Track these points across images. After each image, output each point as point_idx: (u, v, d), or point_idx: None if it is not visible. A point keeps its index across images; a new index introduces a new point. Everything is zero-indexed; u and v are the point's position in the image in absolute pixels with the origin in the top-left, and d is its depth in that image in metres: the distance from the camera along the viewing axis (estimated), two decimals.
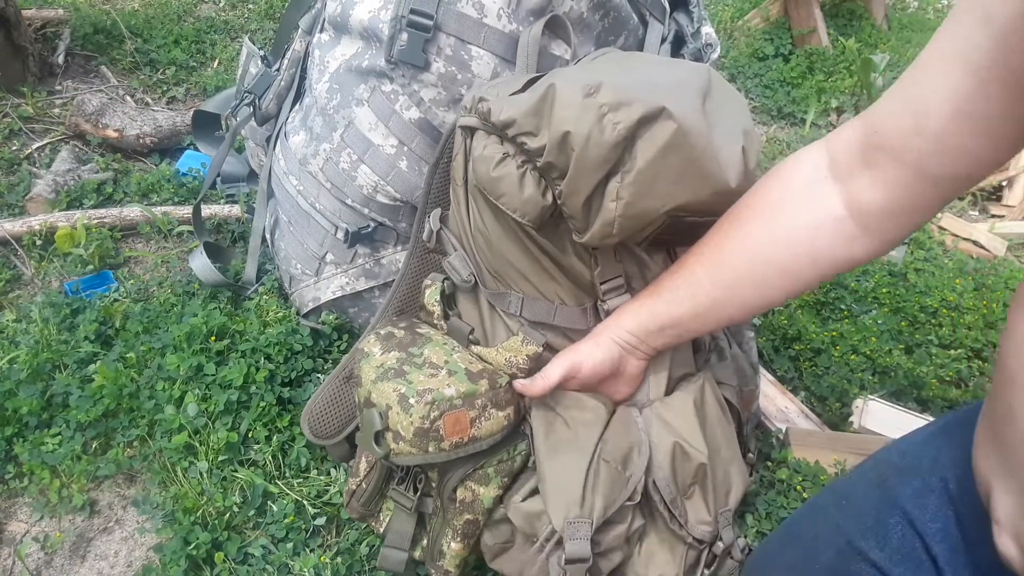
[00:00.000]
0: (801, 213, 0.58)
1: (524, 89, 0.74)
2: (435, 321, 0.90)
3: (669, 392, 0.85)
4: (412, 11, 0.84)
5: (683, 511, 0.79)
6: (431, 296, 0.88)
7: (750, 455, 0.97)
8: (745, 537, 0.91)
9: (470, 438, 0.78)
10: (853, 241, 0.56)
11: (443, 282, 0.87)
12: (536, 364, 0.81)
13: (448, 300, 0.89)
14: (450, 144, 0.86)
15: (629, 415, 0.82)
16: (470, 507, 0.83)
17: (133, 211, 1.41)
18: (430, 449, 0.77)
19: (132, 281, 1.29)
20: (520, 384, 0.79)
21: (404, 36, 0.86)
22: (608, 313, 0.82)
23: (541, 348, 0.80)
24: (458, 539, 0.84)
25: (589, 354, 0.76)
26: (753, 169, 0.75)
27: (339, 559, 0.92)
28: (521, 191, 0.73)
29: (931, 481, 0.50)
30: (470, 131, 0.77)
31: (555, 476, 0.77)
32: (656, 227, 0.74)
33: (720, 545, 0.81)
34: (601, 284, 0.81)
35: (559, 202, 0.73)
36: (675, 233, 0.76)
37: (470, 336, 0.86)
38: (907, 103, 0.50)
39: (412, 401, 0.77)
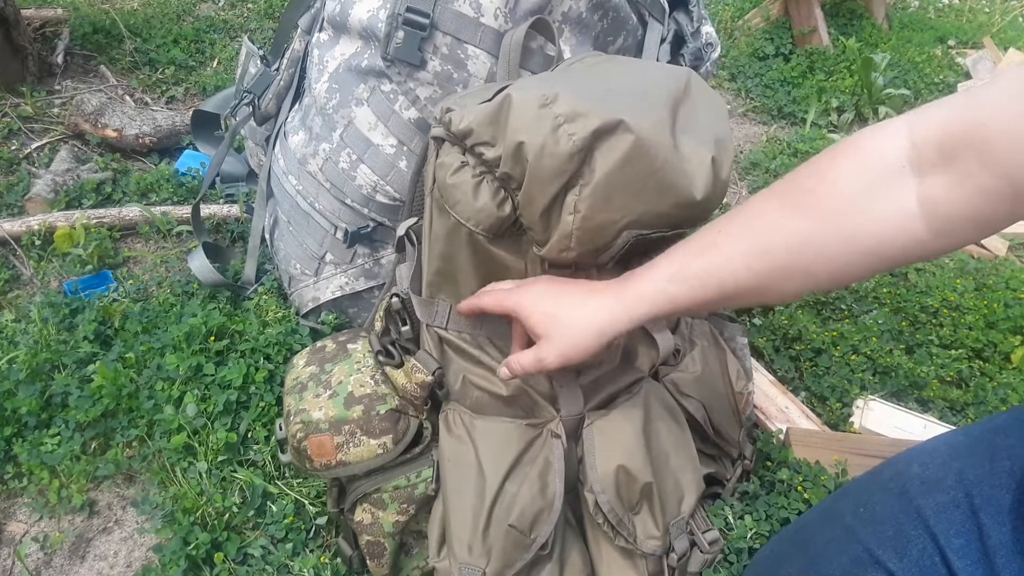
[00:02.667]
0: (873, 209, 0.51)
1: (493, 99, 0.73)
2: (371, 336, 0.90)
3: (606, 404, 0.84)
4: (408, 9, 0.84)
5: (631, 528, 0.79)
6: (379, 310, 0.88)
7: (746, 460, 0.97)
8: (725, 529, 0.90)
9: (338, 462, 0.80)
10: (920, 243, 0.51)
11: (391, 297, 0.86)
12: (425, 392, 0.81)
13: (399, 314, 0.87)
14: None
15: (552, 451, 0.79)
16: (369, 529, 0.84)
17: (132, 211, 1.41)
18: (307, 466, 0.82)
19: (131, 281, 1.29)
20: (515, 366, 0.72)
21: (400, 34, 0.86)
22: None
23: (430, 377, 0.80)
24: (368, 557, 0.86)
25: (570, 357, 0.67)
26: (725, 179, 0.74)
27: (339, 559, 0.92)
28: (475, 200, 0.72)
29: (956, 496, 0.49)
30: (440, 141, 0.76)
31: (457, 518, 0.76)
32: (620, 247, 0.72)
33: (673, 556, 0.81)
34: None
35: (518, 213, 0.73)
36: (641, 251, 0.75)
37: (379, 356, 0.86)
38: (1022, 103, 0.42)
39: (292, 419, 0.82)
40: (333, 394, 0.82)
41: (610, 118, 0.66)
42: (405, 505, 0.83)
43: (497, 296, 0.73)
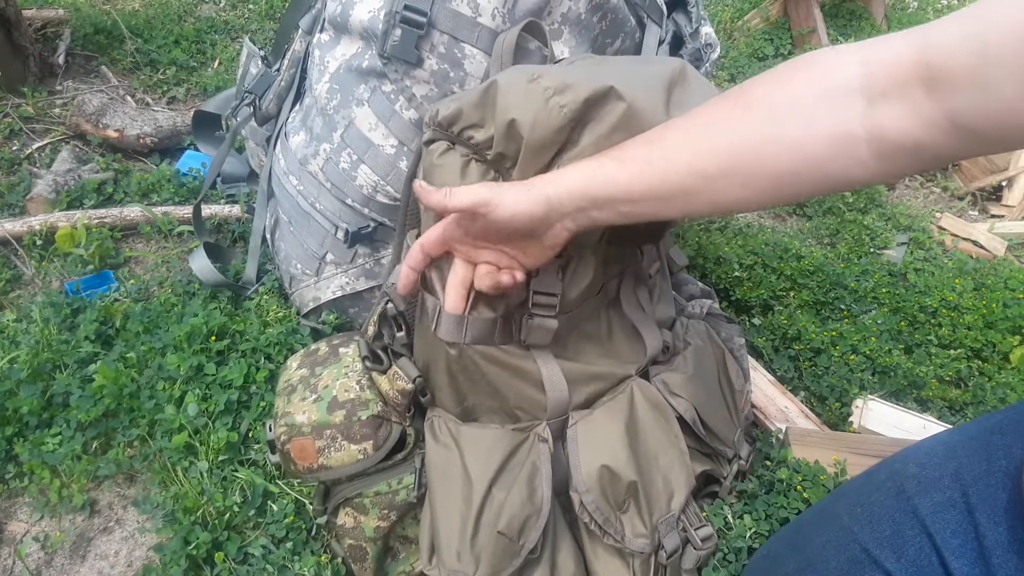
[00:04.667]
0: (818, 121, 0.51)
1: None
2: (361, 340, 0.90)
3: (591, 403, 0.84)
4: (406, 7, 0.84)
5: (619, 527, 0.79)
6: (372, 315, 0.88)
7: (741, 461, 0.97)
8: (723, 527, 0.91)
9: (319, 466, 0.81)
10: (861, 165, 0.51)
11: (386, 302, 0.86)
12: (406, 400, 0.81)
13: (396, 319, 0.87)
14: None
15: (539, 455, 0.80)
16: (351, 533, 0.85)
17: (133, 211, 1.42)
18: (291, 468, 0.83)
19: (132, 281, 1.30)
20: (418, 186, 0.68)
21: (397, 32, 0.86)
22: (532, 330, 0.78)
23: (411, 384, 0.80)
24: (351, 561, 0.87)
25: (512, 199, 0.63)
26: None
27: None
28: (463, 180, 0.72)
29: (953, 496, 0.49)
30: (430, 143, 0.76)
31: (445, 525, 0.76)
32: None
33: (663, 554, 0.81)
34: (534, 293, 0.78)
35: None
36: (628, 230, 0.73)
37: (365, 362, 0.86)
38: (971, 42, 0.43)
39: (278, 421, 0.82)
40: (318, 398, 0.82)
41: (600, 86, 0.65)
42: (386, 511, 0.83)
43: (443, 198, 0.66)
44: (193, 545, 0.91)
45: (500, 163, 0.71)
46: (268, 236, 1.24)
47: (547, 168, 0.69)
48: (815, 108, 0.51)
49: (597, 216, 0.63)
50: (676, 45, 1.03)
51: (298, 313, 1.19)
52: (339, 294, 1.10)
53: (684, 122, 0.59)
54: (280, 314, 1.18)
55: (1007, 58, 0.41)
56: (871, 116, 0.49)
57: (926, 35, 0.47)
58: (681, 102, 0.72)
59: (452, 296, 0.72)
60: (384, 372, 0.84)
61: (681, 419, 0.89)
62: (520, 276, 0.71)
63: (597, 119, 0.66)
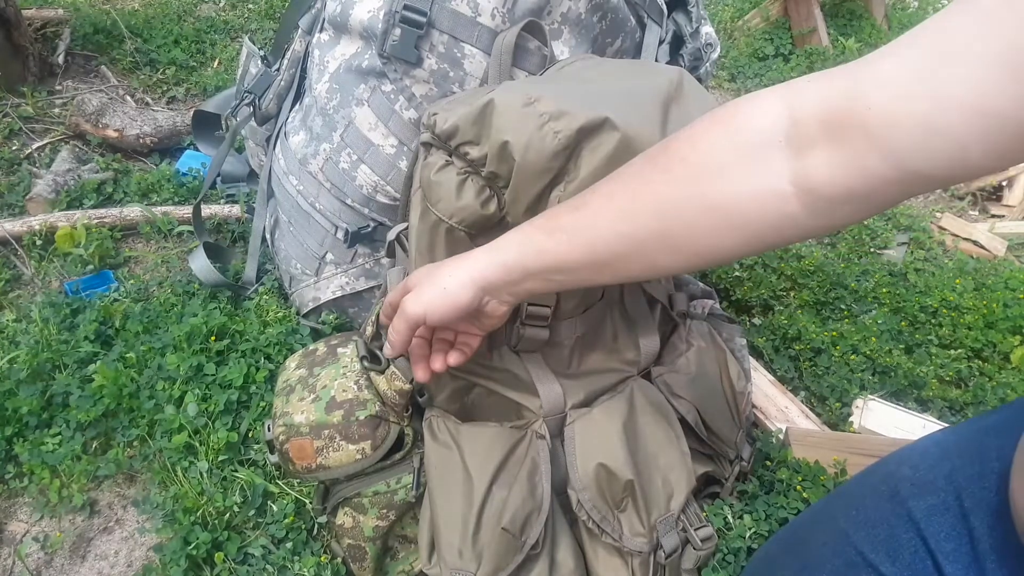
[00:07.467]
0: (741, 182, 0.48)
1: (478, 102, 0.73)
2: (359, 340, 0.90)
3: (590, 402, 0.84)
4: (406, 7, 0.84)
5: (616, 526, 0.79)
6: (371, 315, 0.88)
7: (743, 462, 0.97)
8: (723, 528, 0.91)
9: (318, 465, 0.81)
10: (793, 221, 0.47)
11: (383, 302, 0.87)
12: (404, 399, 0.81)
13: None
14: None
15: (538, 452, 0.80)
16: (350, 532, 0.85)
17: (133, 211, 1.42)
18: (290, 468, 0.83)
19: (132, 281, 1.29)
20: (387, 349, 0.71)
21: (397, 31, 0.86)
22: (522, 339, 0.80)
23: (408, 384, 0.80)
24: (350, 560, 0.87)
25: (432, 303, 0.63)
26: None
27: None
28: (459, 197, 0.72)
29: (947, 499, 0.49)
30: (428, 147, 0.76)
31: (446, 524, 0.76)
32: None
33: (661, 554, 0.81)
34: (528, 305, 0.78)
35: (503, 211, 0.73)
36: None
37: (363, 362, 0.86)
38: (924, 83, 0.38)
39: (276, 421, 0.83)
40: (316, 398, 0.82)
41: (595, 116, 0.66)
42: (385, 511, 0.83)
43: (398, 316, 0.67)
44: (193, 545, 0.91)
45: (494, 182, 0.72)
46: (268, 236, 1.24)
47: (543, 195, 0.70)
48: (735, 169, 0.48)
49: (532, 287, 0.61)
50: (676, 45, 1.03)
51: (298, 313, 1.19)
52: (339, 294, 1.10)
53: (609, 184, 0.56)
54: (280, 314, 1.18)
55: (954, 102, 0.37)
56: (799, 169, 0.45)
57: (863, 76, 0.42)
58: (679, 121, 0.73)
59: (420, 371, 0.73)
60: (382, 372, 0.84)
61: (683, 420, 0.89)
62: (474, 345, 0.73)
63: (591, 148, 0.67)
